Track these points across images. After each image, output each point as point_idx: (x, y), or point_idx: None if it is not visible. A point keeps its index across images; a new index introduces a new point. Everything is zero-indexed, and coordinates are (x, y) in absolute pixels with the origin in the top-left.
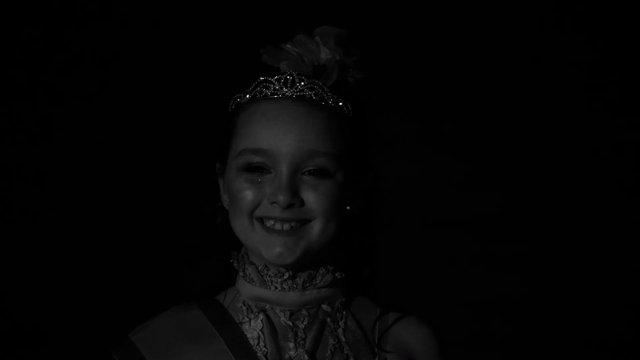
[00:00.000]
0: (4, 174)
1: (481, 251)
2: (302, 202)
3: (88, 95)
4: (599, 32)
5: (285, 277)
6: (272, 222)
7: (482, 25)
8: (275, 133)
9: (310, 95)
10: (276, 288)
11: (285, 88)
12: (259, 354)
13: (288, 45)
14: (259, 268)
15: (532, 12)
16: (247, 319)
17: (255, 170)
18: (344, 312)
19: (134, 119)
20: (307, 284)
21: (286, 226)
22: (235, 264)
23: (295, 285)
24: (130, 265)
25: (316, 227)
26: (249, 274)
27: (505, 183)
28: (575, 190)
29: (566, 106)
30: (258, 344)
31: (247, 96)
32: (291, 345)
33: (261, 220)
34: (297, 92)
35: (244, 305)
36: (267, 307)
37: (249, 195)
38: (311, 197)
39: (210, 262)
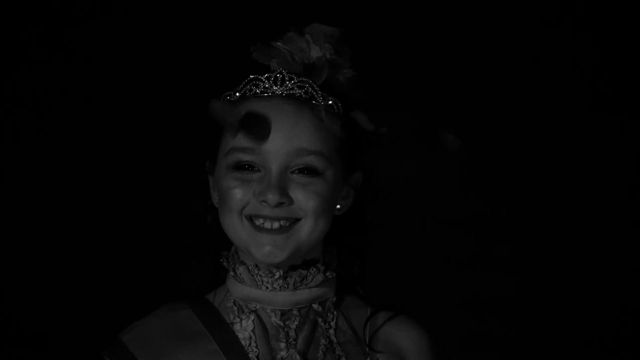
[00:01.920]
0: (4, 173)
1: (479, 251)
2: (291, 201)
3: (88, 95)
4: (599, 32)
5: (276, 276)
6: (261, 220)
7: (482, 25)
8: None
9: (300, 93)
10: (267, 288)
11: (275, 86)
12: (250, 355)
13: (278, 43)
14: (250, 268)
15: (532, 12)
16: (238, 319)
17: (245, 168)
18: (335, 312)
19: (132, 119)
20: (298, 284)
21: (275, 225)
22: (225, 264)
23: (286, 285)
24: (128, 265)
25: (305, 226)
26: (240, 274)
27: (503, 183)
28: (573, 190)
29: (566, 106)
30: (250, 344)
31: (237, 94)
32: (282, 345)
33: (250, 218)
34: (286, 90)
35: (235, 305)
36: (258, 307)
37: (238, 193)
38: (300, 196)
39: (207, 261)
